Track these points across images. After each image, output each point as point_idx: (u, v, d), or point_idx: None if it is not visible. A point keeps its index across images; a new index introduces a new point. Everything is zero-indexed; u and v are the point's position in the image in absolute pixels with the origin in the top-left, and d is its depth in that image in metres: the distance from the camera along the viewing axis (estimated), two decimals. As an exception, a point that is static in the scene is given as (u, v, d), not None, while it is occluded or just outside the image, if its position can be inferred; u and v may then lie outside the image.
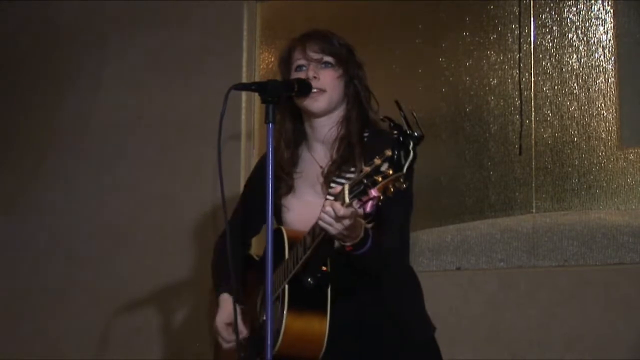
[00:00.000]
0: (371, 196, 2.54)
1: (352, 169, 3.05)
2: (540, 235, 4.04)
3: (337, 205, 2.63)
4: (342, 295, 2.94)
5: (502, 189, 4.16)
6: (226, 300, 3.17)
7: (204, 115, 4.62)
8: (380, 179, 2.50)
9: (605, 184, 4.01)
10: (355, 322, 2.99)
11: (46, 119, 5.20)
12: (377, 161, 2.52)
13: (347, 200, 2.59)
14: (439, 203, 4.27)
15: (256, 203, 3.17)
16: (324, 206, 2.68)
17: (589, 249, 3.96)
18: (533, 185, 4.11)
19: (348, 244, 2.78)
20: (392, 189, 2.52)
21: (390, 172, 2.48)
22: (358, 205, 2.58)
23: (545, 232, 4.03)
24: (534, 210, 4.09)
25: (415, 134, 2.48)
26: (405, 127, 2.49)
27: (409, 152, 2.47)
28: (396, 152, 2.48)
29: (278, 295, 2.94)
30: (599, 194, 4.02)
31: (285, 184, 3.15)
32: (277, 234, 3.02)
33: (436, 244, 4.15)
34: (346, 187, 2.60)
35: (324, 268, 2.92)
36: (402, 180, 2.50)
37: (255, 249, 4.31)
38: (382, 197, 2.54)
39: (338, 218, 2.65)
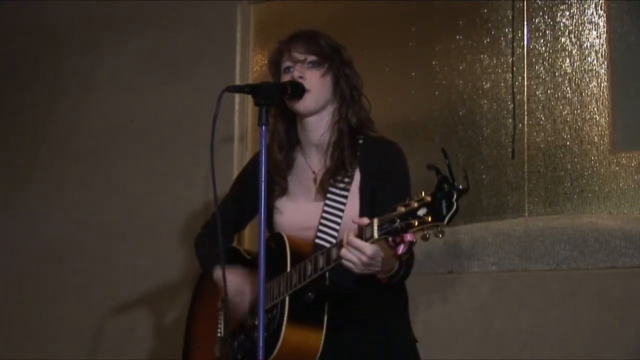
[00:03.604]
0: (407, 240, 2.53)
1: (347, 180, 3.05)
2: (532, 239, 4.04)
3: (359, 242, 2.63)
4: (337, 308, 2.94)
5: (495, 193, 4.16)
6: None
7: (197, 117, 4.61)
8: (416, 223, 2.49)
9: (597, 188, 4.02)
10: (347, 336, 2.99)
11: (39, 120, 5.19)
12: (414, 203, 2.51)
13: (375, 236, 2.59)
14: (432, 206, 4.26)
15: (246, 200, 3.17)
16: (347, 242, 2.67)
17: (580, 253, 3.96)
18: (525, 189, 4.11)
19: (382, 277, 2.80)
20: (427, 236, 2.51)
21: (429, 219, 2.48)
22: (390, 245, 2.57)
23: (538, 235, 4.03)
24: (526, 214, 4.09)
25: (460, 187, 2.48)
26: (449, 177, 2.48)
27: (453, 204, 2.46)
28: (437, 201, 2.47)
29: (276, 304, 2.94)
30: (591, 198, 4.02)
31: (280, 187, 3.16)
32: (278, 239, 3.03)
33: (428, 247, 4.13)
34: (375, 223, 2.60)
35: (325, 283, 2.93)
36: (439, 229, 2.49)
37: (249, 245, 4.31)
38: (415, 241, 2.53)
39: (363, 255, 2.65)
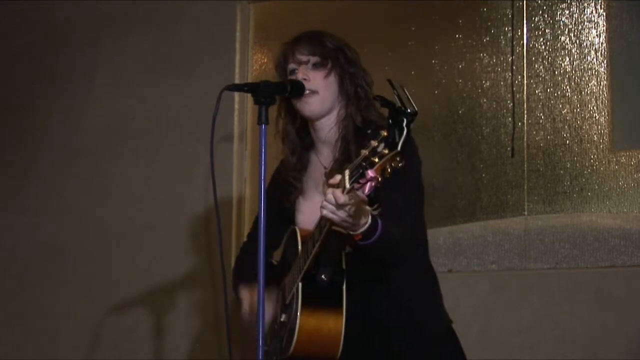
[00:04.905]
0: (368, 177, 2.51)
1: None
2: (531, 237, 4.04)
3: (337, 192, 2.60)
4: (356, 291, 2.94)
5: (494, 192, 4.17)
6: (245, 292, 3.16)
7: (197, 116, 4.62)
8: (377, 159, 2.47)
9: (597, 187, 4.02)
10: (369, 317, 2.99)
11: (38, 118, 5.20)
12: (374, 143, 2.48)
13: (347, 185, 2.56)
14: (432, 205, 4.25)
15: (272, 215, 3.16)
16: (325, 195, 2.66)
17: (580, 252, 3.96)
18: (525, 187, 4.11)
19: (356, 232, 2.77)
20: (389, 170, 2.49)
21: (386, 151, 2.46)
22: (357, 188, 2.55)
23: (537, 234, 4.04)
24: (525, 213, 4.10)
25: (408, 110, 2.46)
26: (398, 104, 2.46)
27: (403, 129, 2.44)
28: (391, 132, 2.45)
29: (293, 294, 2.94)
30: (590, 197, 4.03)
31: (295, 188, 3.17)
32: (292, 234, 3.05)
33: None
34: (346, 173, 2.58)
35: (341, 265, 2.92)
36: (398, 159, 2.47)
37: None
38: (380, 179, 2.52)
39: (339, 205, 2.63)
